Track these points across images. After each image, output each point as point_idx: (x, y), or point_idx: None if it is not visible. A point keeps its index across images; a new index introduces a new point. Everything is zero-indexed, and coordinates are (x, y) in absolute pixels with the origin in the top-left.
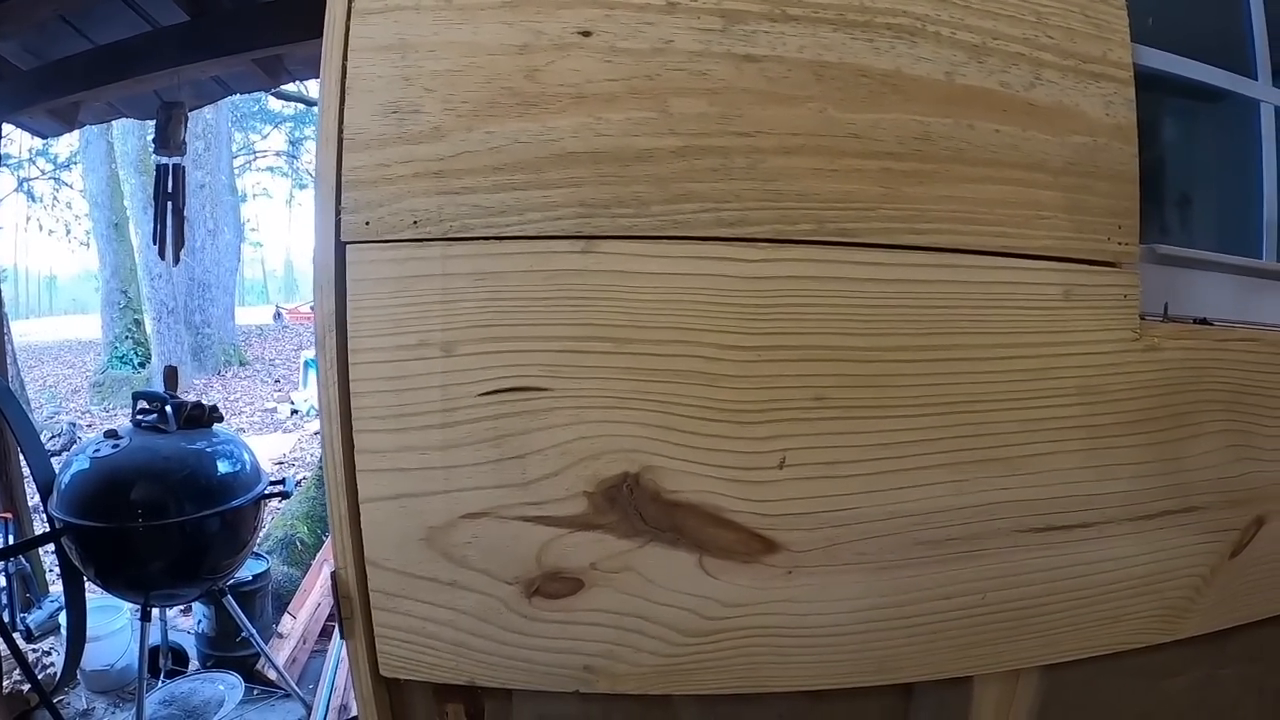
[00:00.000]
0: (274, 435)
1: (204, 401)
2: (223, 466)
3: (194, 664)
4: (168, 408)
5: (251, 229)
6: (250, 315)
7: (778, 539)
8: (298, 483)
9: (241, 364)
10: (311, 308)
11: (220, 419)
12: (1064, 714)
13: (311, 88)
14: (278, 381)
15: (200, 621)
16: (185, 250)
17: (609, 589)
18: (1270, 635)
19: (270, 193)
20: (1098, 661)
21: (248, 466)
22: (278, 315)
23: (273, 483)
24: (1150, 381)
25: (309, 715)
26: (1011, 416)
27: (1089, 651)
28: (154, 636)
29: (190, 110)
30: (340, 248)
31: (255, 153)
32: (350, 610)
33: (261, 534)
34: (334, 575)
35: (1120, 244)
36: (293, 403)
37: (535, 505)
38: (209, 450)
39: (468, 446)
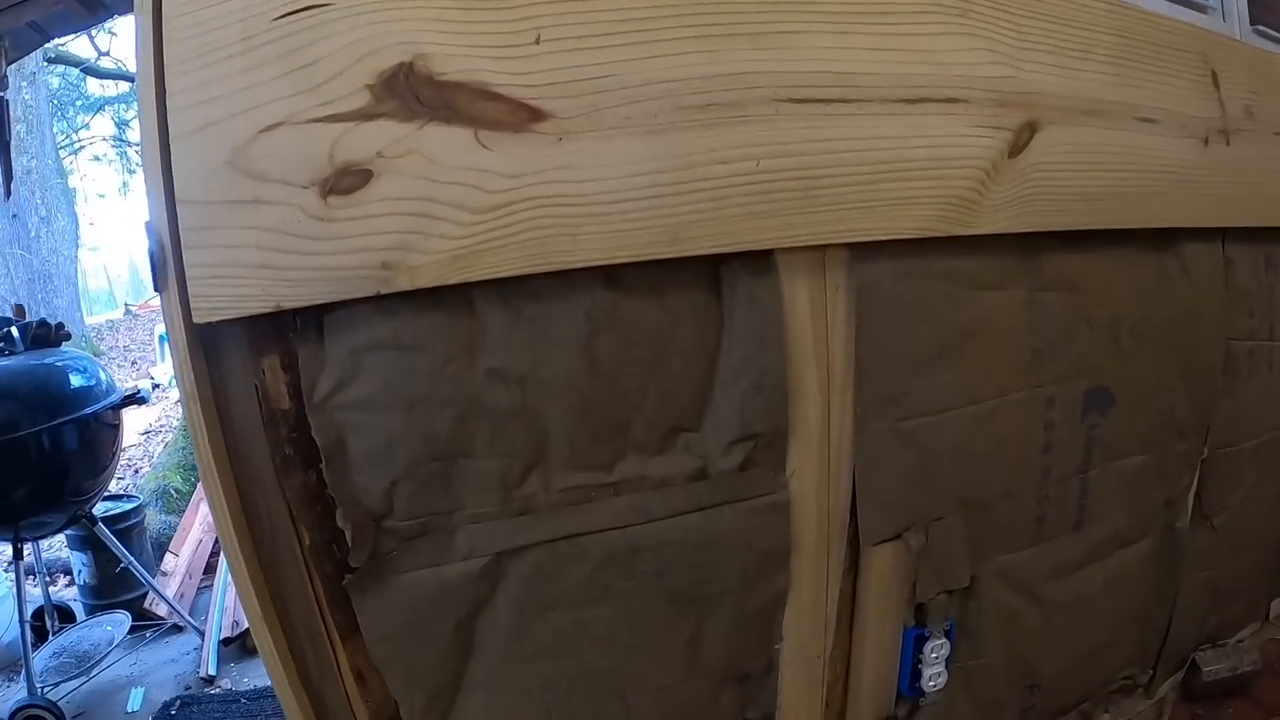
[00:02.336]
0: (139, 410)
1: (49, 320)
2: (75, 380)
3: (81, 619)
4: (12, 329)
5: (89, 223)
6: (100, 320)
7: (543, 107)
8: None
9: (96, 355)
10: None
11: (69, 337)
12: (885, 320)
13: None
14: (134, 363)
15: (80, 573)
16: (19, 245)
17: (396, 175)
18: (1083, 265)
19: (104, 194)
20: (904, 259)
21: (101, 382)
22: (127, 312)
23: (127, 395)
24: None
25: (204, 642)
26: None
27: (885, 233)
28: (38, 599)
29: (9, 63)
30: None
31: (81, 144)
32: (163, 259)
33: (136, 482)
34: (147, 225)
35: None
36: (152, 378)
37: (324, 105)
38: (59, 365)
39: (265, 66)
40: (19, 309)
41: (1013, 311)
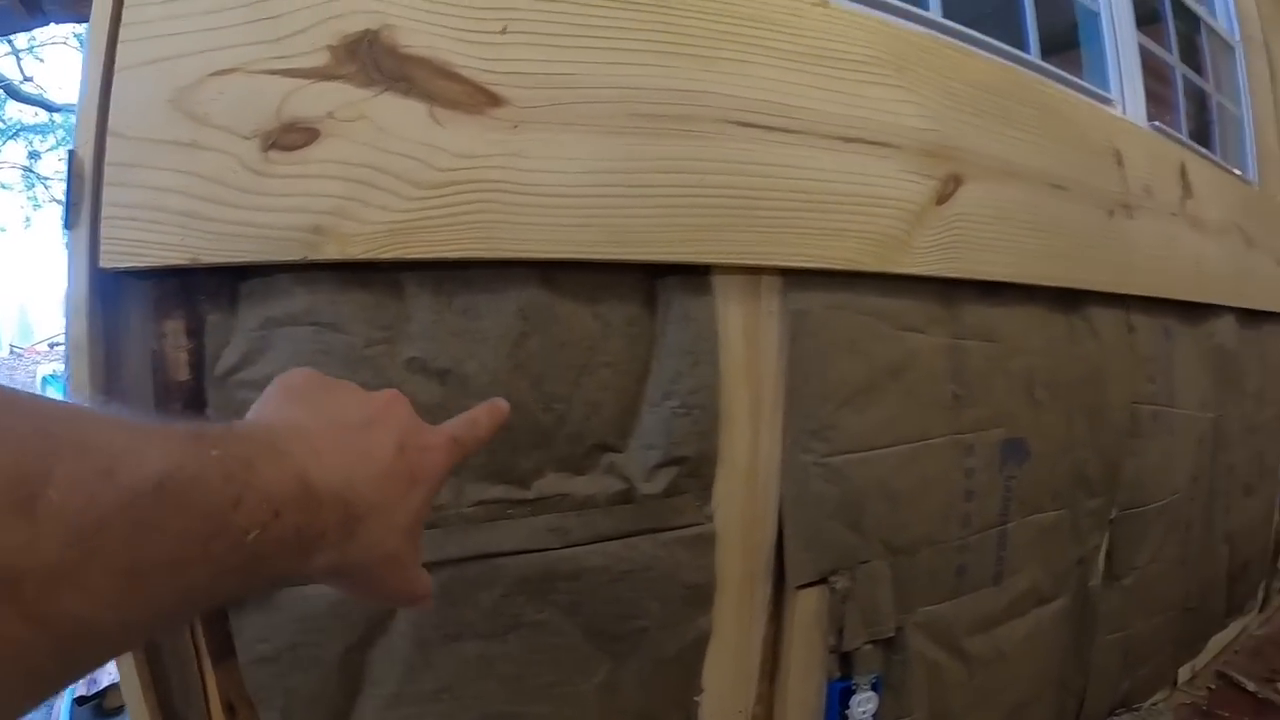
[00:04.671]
0: None
1: None
2: None
3: None
4: None
5: None
6: None
7: (502, 93)
8: None
9: None
10: (50, 345)
11: None
12: (815, 350)
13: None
14: None
15: None
16: None
17: (344, 138)
18: (1000, 317)
19: (4, 227)
20: (835, 293)
21: None
22: (12, 352)
23: None
24: (824, 30)
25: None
26: (708, 26)
27: (817, 261)
28: None
29: None
30: None
31: None
32: (80, 193)
33: None
34: (70, 154)
35: None
36: None
37: (282, 59)
38: None
39: (230, 10)
40: None
41: (936, 355)
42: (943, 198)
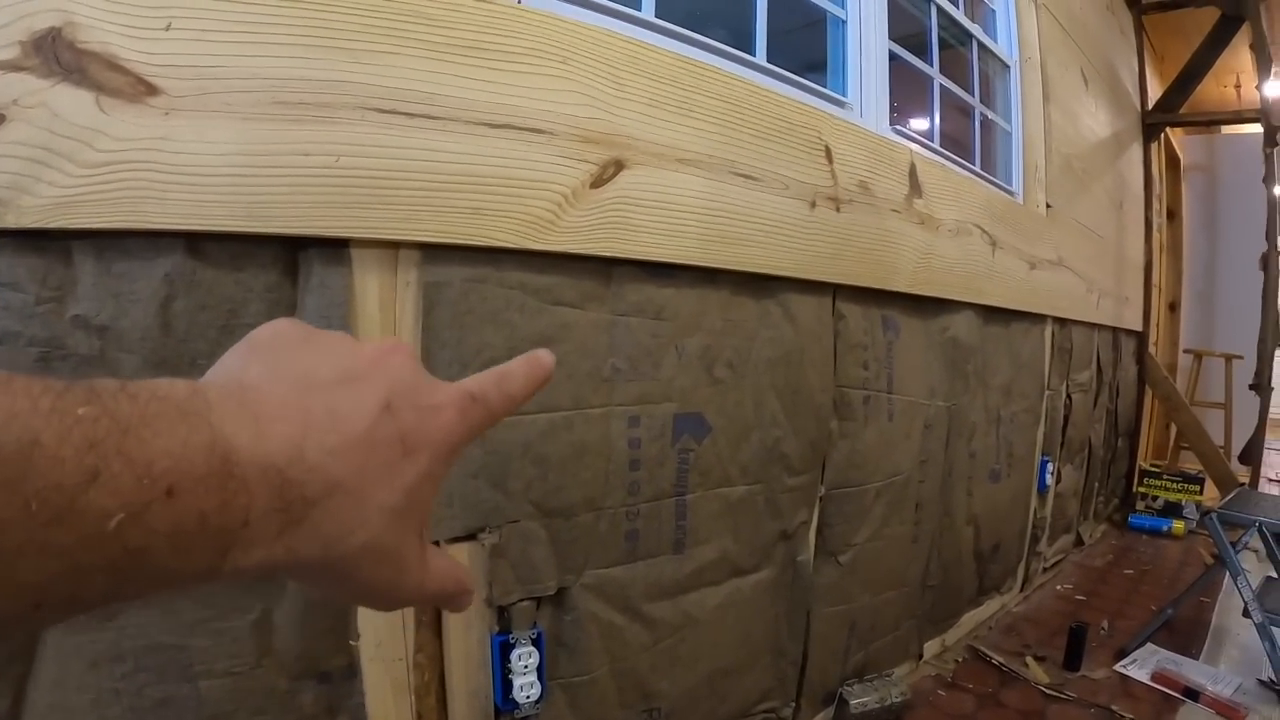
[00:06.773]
0: None
1: None
2: None
3: None
4: None
5: None
6: None
7: (158, 84)
8: None
9: None
10: None
11: None
12: (452, 319)
13: None
14: None
15: None
16: None
17: (24, 123)
18: (670, 297)
19: None
20: (477, 267)
21: None
22: None
23: None
24: (482, 24)
25: None
26: (357, 22)
27: (454, 237)
28: None
29: None
30: None
31: None
32: None
33: None
34: None
35: None
36: None
37: None
38: None
39: None
40: None
41: (592, 330)
42: (599, 181)
